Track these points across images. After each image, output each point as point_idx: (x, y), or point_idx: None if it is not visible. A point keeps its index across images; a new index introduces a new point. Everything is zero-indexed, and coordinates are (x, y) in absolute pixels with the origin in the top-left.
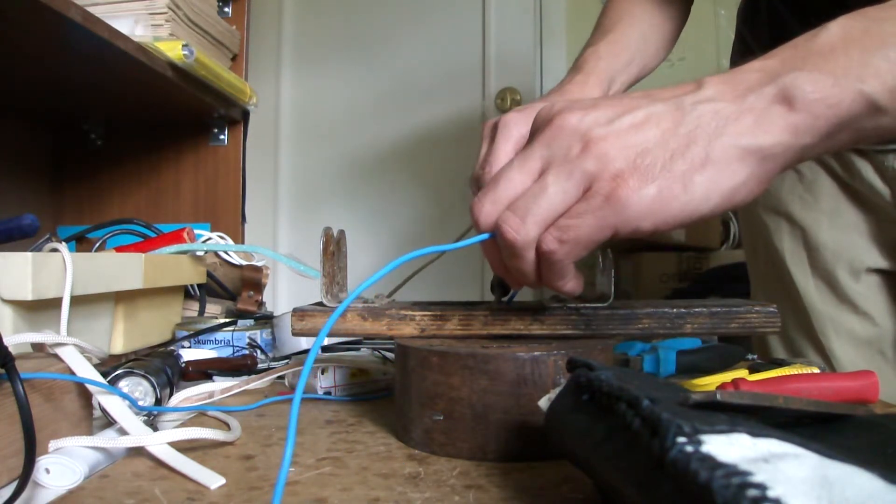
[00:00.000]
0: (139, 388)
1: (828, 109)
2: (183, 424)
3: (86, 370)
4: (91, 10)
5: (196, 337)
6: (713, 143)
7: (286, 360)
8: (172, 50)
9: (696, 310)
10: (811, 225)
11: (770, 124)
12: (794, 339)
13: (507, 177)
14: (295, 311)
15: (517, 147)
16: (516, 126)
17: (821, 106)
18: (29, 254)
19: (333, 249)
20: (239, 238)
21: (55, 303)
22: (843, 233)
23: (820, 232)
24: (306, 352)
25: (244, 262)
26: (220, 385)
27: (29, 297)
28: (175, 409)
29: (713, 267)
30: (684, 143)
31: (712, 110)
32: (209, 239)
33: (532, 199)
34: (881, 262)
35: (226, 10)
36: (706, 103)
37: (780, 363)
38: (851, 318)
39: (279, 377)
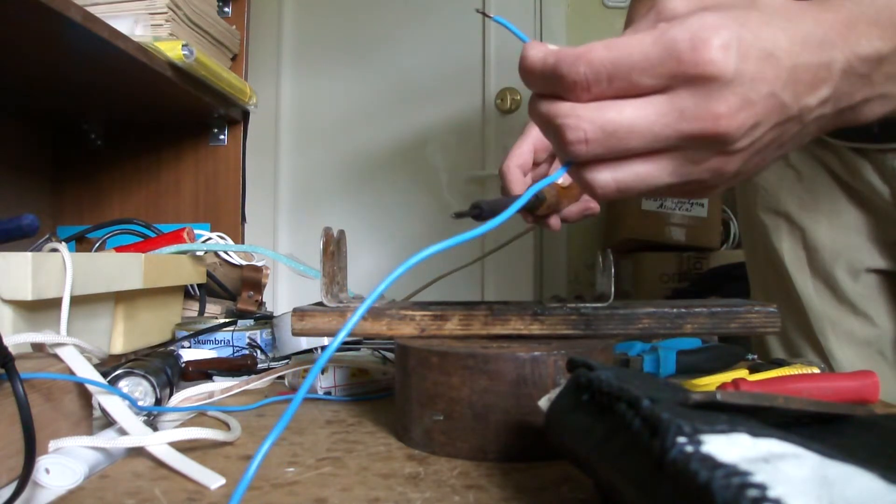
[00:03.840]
0: (139, 388)
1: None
2: (183, 424)
3: (86, 370)
4: (91, 10)
5: (196, 337)
6: (795, 146)
7: (286, 360)
8: (172, 50)
9: (696, 310)
10: (810, 225)
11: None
12: (794, 339)
13: (630, 147)
14: (295, 311)
15: None
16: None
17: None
18: (29, 254)
19: (333, 249)
20: (239, 238)
21: (55, 303)
22: (842, 233)
23: (819, 232)
24: (306, 352)
25: (244, 262)
26: (220, 385)
27: (29, 297)
28: (175, 409)
29: (713, 267)
30: (776, 149)
31: (818, 125)
32: (209, 239)
33: (639, 181)
34: (880, 263)
35: (226, 10)
36: (820, 109)
37: (780, 363)
38: (850, 319)
39: (279, 377)
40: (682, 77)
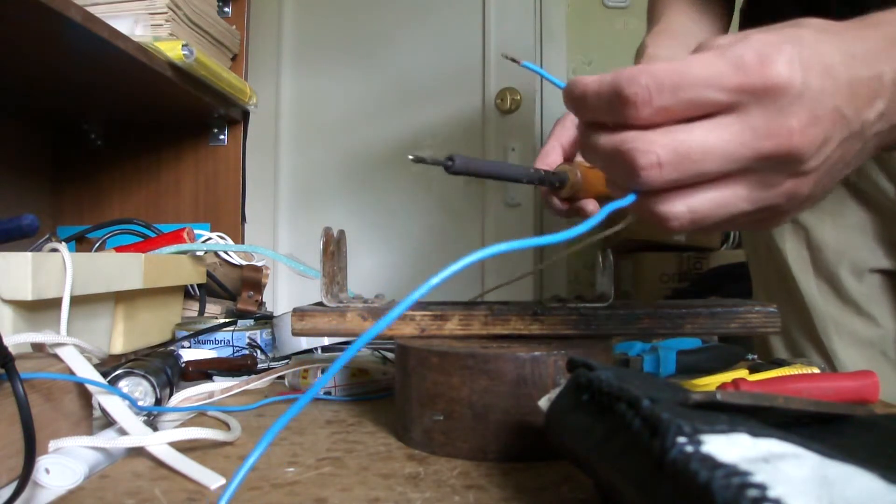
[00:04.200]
0: (139, 388)
1: None
2: (183, 424)
3: (86, 370)
4: (91, 10)
5: (196, 337)
6: (858, 163)
7: (286, 361)
8: (172, 50)
9: (696, 310)
10: (814, 225)
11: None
12: (796, 339)
13: (704, 170)
14: (295, 311)
15: None
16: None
17: None
18: (29, 254)
19: (333, 249)
20: (239, 238)
21: (55, 303)
22: (846, 232)
23: (823, 232)
24: (306, 352)
25: (244, 262)
26: (220, 385)
27: (29, 297)
28: (175, 409)
29: (713, 267)
30: (843, 167)
31: (876, 142)
32: (209, 239)
33: (715, 208)
34: (884, 263)
35: (226, 10)
36: (878, 123)
37: (780, 363)
38: (854, 319)
39: (279, 377)
40: (751, 91)
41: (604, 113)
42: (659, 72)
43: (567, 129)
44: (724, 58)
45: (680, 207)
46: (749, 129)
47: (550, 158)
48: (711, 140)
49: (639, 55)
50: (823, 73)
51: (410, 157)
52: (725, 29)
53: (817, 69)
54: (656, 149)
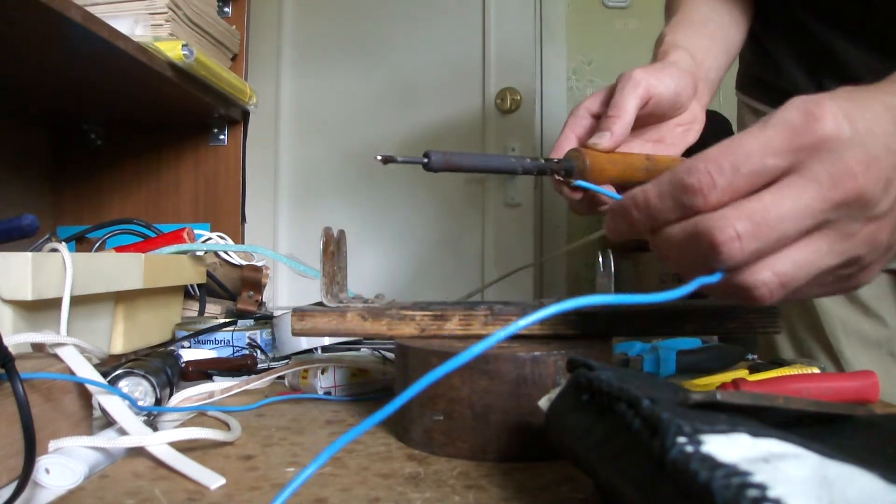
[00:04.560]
0: (139, 388)
1: None
2: (183, 424)
3: (86, 370)
4: (91, 10)
5: (196, 337)
6: None
7: (286, 360)
8: (172, 50)
9: (696, 310)
10: None
11: None
12: (803, 340)
13: (782, 231)
14: (295, 311)
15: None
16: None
17: None
18: (29, 254)
19: (333, 249)
20: (239, 238)
21: (55, 303)
22: None
23: None
24: (306, 352)
25: (244, 262)
26: (220, 385)
27: (29, 297)
28: (175, 409)
29: None
30: None
31: None
32: (209, 239)
33: (800, 268)
34: (893, 263)
35: (226, 10)
36: None
37: (780, 363)
38: (861, 320)
39: (279, 377)
40: (806, 148)
41: (671, 212)
42: (714, 154)
43: (581, 118)
44: (772, 125)
45: (766, 274)
46: (814, 184)
47: (563, 150)
48: (782, 202)
49: (658, 45)
50: (868, 119)
51: (378, 157)
52: (746, 20)
53: (861, 116)
54: (732, 222)
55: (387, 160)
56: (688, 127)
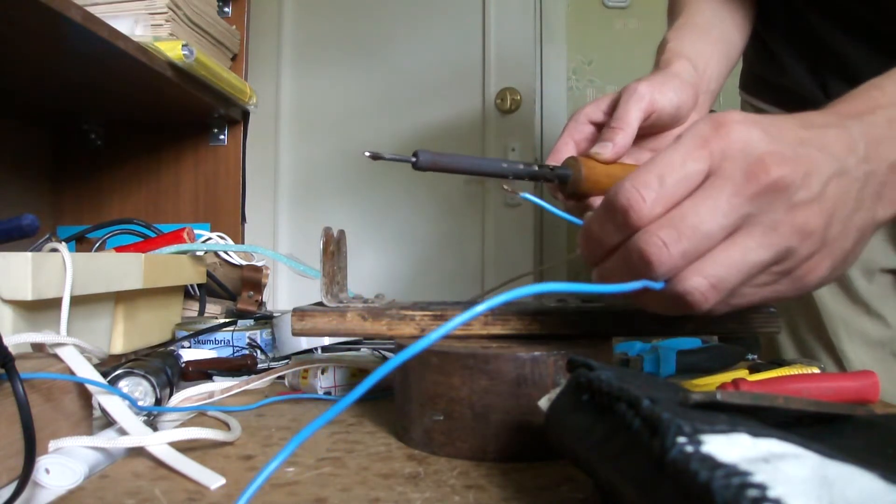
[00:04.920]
0: (139, 388)
1: None
2: (183, 424)
3: (86, 370)
4: (91, 10)
5: (196, 337)
6: (865, 214)
7: (286, 360)
8: (172, 50)
9: None
10: None
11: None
12: (806, 340)
13: (705, 231)
14: (295, 311)
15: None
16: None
17: None
18: (29, 254)
19: (333, 249)
20: (239, 238)
21: (55, 303)
22: None
23: None
24: (306, 352)
25: (244, 262)
26: (220, 385)
27: (29, 297)
28: (175, 409)
29: None
30: (851, 212)
31: (869, 177)
32: (209, 239)
33: (729, 267)
34: (895, 263)
35: (226, 10)
36: (864, 165)
37: (779, 363)
38: (864, 320)
39: (279, 377)
40: (718, 152)
41: (613, 235)
42: (640, 172)
43: (580, 124)
44: (686, 137)
45: (696, 279)
46: (729, 182)
47: (561, 155)
48: (701, 204)
49: (660, 51)
50: (776, 122)
51: (367, 153)
52: (748, 24)
53: (769, 121)
54: (656, 233)
55: (375, 157)
56: None
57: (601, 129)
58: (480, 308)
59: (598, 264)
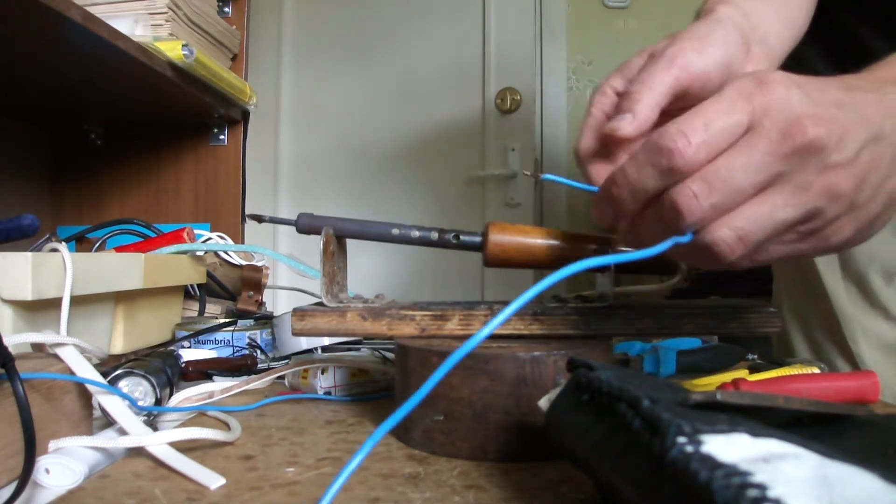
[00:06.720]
0: (139, 388)
1: None
2: (183, 424)
3: (86, 370)
4: (91, 10)
5: (196, 337)
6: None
7: (286, 360)
8: (172, 50)
9: (696, 310)
10: None
11: None
12: (820, 342)
13: (736, 185)
14: (295, 311)
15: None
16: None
17: None
18: (29, 254)
19: (333, 249)
20: (239, 238)
21: (55, 303)
22: (879, 234)
23: None
24: (306, 352)
25: (244, 262)
26: (220, 385)
27: (29, 297)
28: (175, 409)
29: None
30: (883, 178)
31: None
32: (209, 239)
33: (756, 222)
34: None
35: (226, 10)
36: None
37: (780, 363)
38: (881, 323)
39: (279, 377)
40: (759, 108)
41: (652, 179)
42: (683, 118)
43: (606, 96)
44: (728, 91)
45: (724, 231)
46: (765, 139)
47: (589, 132)
48: (735, 159)
49: (699, 15)
50: (817, 83)
51: (248, 215)
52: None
53: (811, 83)
54: (689, 185)
55: (257, 219)
56: None
57: None
58: (530, 293)
59: (627, 218)
